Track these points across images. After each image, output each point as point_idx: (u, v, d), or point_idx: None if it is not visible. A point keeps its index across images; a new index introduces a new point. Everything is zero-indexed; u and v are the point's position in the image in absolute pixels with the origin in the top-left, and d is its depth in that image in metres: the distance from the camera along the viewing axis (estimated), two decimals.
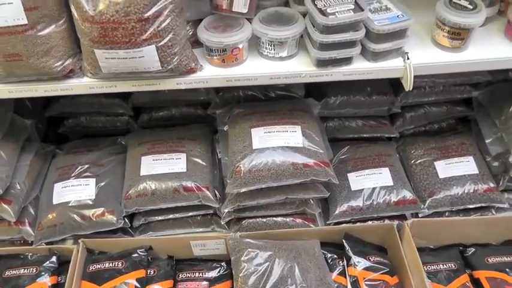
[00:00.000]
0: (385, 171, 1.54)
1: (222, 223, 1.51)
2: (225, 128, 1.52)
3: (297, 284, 1.29)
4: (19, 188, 1.50)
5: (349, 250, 1.43)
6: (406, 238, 1.43)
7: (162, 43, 1.14)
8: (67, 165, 1.56)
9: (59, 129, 1.71)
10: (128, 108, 1.62)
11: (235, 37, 1.20)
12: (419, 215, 1.53)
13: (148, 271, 1.43)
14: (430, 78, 1.55)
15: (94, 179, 1.50)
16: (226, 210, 1.45)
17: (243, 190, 1.37)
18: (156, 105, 1.64)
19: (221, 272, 1.48)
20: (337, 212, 1.50)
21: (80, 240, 1.48)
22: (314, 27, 1.21)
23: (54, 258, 1.46)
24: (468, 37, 1.25)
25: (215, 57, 1.24)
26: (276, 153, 1.37)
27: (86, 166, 1.54)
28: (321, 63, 1.24)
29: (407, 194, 1.51)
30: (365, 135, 1.64)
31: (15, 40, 1.15)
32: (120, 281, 1.40)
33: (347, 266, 1.43)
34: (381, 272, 1.41)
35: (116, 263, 1.44)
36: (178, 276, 1.47)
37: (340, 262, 1.46)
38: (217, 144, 1.59)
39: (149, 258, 1.47)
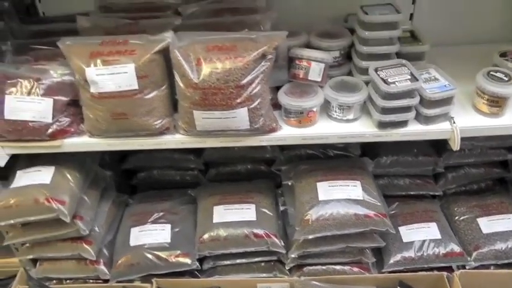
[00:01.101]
0: (433, 225, 1.67)
1: (287, 268, 1.62)
2: (290, 183, 1.67)
3: None
4: (98, 231, 1.65)
5: None
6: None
7: (252, 106, 1.31)
8: (143, 212, 1.72)
9: (131, 181, 1.86)
10: (199, 163, 1.79)
11: (312, 102, 1.38)
12: (466, 267, 1.63)
13: None
14: (469, 141, 1.69)
15: (169, 225, 1.65)
16: (292, 256, 1.57)
17: (310, 237, 1.50)
18: (225, 162, 1.80)
19: None
20: (391, 261, 1.61)
21: (153, 280, 1.61)
22: (377, 94, 1.38)
23: None
24: (505, 104, 1.41)
25: (292, 119, 1.41)
26: (340, 204, 1.51)
27: (161, 214, 1.69)
28: (382, 125, 1.40)
29: (455, 247, 1.62)
30: (411, 193, 1.78)
31: (125, 102, 1.34)
32: None
33: None
34: None
35: None
36: None
37: None
38: (280, 197, 1.72)
39: None
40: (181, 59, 1.28)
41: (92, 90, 1.33)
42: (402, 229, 1.67)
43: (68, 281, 1.73)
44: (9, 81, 1.43)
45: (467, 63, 1.49)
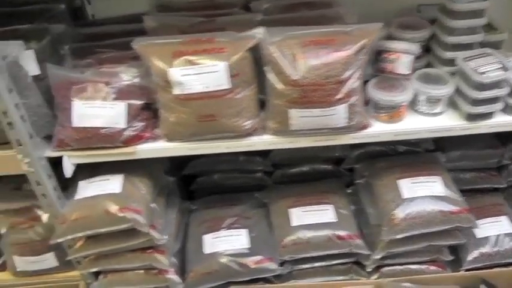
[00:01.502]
0: (504, 219, 1.64)
1: (367, 270, 1.56)
2: (363, 181, 1.61)
3: None
4: (169, 239, 1.55)
5: None
6: None
7: (350, 102, 1.25)
8: (214, 218, 1.62)
9: (189, 187, 1.77)
10: (267, 165, 1.70)
11: (403, 96, 1.32)
12: None
13: None
14: None
15: (246, 230, 1.56)
16: (376, 257, 1.51)
17: (398, 237, 1.44)
18: (291, 162, 1.72)
19: None
20: (470, 258, 1.57)
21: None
22: (467, 85, 1.33)
23: None
24: None
25: (383, 114, 1.35)
26: (425, 201, 1.46)
27: (235, 219, 1.60)
28: (471, 118, 1.36)
29: None
30: (477, 187, 1.74)
31: (214, 103, 1.25)
32: None
33: None
34: None
35: None
36: None
37: None
38: (351, 196, 1.66)
39: None
40: (278, 56, 1.20)
41: (176, 91, 1.24)
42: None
43: None
44: (75, 87, 1.33)
45: None
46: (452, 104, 1.40)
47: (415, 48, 1.34)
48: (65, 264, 1.65)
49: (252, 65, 1.27)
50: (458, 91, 1.36)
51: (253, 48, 1.25)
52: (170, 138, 1.34)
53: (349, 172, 1.74)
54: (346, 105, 1.24)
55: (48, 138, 1.38)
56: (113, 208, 1.38)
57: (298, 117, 1.25)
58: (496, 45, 1.47)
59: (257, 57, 1.27)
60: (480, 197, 1.72)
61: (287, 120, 1.27)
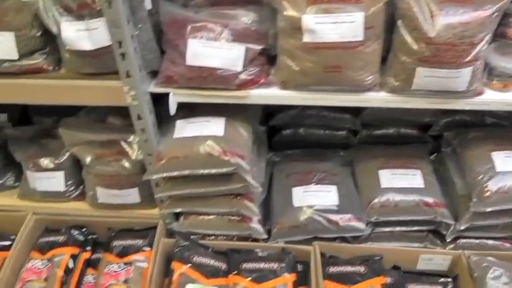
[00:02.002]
0: None
1: (448, 240, 1.58)
2: (449, 150, 1.63)
3: None
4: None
5: None
6: None
7: (475, 66, 1.23)
8: (303, 171, 1.63)
9: (273, 138, 1.77)
10: (357, 124, 1.70)
11: None
12: None
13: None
14: None
15: (335, 186, 1.57)
16: (460, 228, 1.53)
17: (488, 210, 1.46)
18: (379, 123, 1.72)
19: (449, 286, 1.55)
20: None
21: (315, 243, 1.55)
22: None
23: (291, 257, 1.52)
24: None
25: (497, 82, 1.34)
26: None
27: (324, 174, 1.60)
28: None
29: None
30: None
31: (343, 54, 1.23)
32: (366, 285, 1.46)
33: None
34: None
35: (358, 267, 1.51)
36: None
37: None
38: (434, 164, 1.68)
39: None
40: (416, 11, 1.18)
41: (307, 39, 1.22)
42: None
43: (210, 237, 1.66)
44: (191, 25, 1.30)
45: None
46: None
47: None
48: (147, 201, 1.67)
49: (384, 19, 1.24)
50: None
51: (388, 2, 1.21)
52: (286, 86, 1.32)
53: (431, 138, 1.73)
54: (471, 68, 1.23)
55: (152, 73, 1.37)
56: (216, 150, 1.38)
57: (423, 76, 1.24)
58: None
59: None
60: None
61: (411, 78, 1.25)
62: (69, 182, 1.71)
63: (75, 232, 1.68)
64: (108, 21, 1.18)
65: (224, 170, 1.40)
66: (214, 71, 1.29)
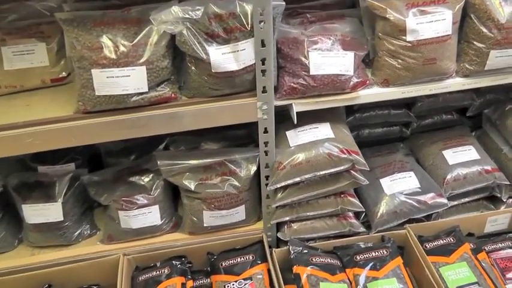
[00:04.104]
0: None
1: (504, 200, 2.01)
2: (490, 124, 2.13)
3: None
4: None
5: None
6: None
7: None
8: (382, 164, 2.02)
9: None
10: (413, 117, 2.11)
11: None
12: None
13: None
14: None
15: (412, 172, 1.95)
16: None
17: None
18: (427, 113, 2.16)
19: None
20: None
21: (406, 226, 1.89)
22: None
23: (392, 242, 1.85)
24: None
25: None
26: None
27: (400, 163, 2.00)
28: None
29: None
30: None
31: (438, 47, 1.63)
32: (459, 253, 1.84)
33: None
34: None
35: (447, 239, 1.89)
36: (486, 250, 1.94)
37: None
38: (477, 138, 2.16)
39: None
40: (488, 3, 1.63)
41: (410, 38, 1.60)
42: None
43: (310, 242, 1.90)
44: (307, 40, 1.62)
45: None
46: None
47: None
48: (251, 217, 1.90)
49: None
50: None
51: None
52: (388, 84, 1.68)
53: (467, 119, 2.22)
54: None
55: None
56: (335, 150, 1.69)
57: (495, 57, 1.68)
58: None
59: None
60: None
61: (485, 61, 1.69)
62: (164, 214, 1.86)
63: (177, 263, 1.81)
64: (256, 41, 1.45)
65: (344, 167, 1.71)
66: (335, 77, 1.61)
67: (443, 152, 2.02)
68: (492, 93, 2.14)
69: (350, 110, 2.00)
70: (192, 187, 1.76)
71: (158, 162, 1.75)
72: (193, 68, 1.54)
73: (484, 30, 1.65)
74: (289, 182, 1.70)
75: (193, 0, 1.49)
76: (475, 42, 1.68)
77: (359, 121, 2.06)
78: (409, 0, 1.61)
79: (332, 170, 1.70)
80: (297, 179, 1.70)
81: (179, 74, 1.59)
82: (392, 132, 2.17)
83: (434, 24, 1.59)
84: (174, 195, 1.93)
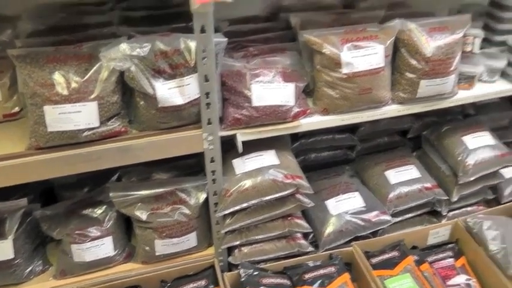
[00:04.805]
0: None
1: (444, 213, 2.23)
2: (429, 144, 2.33)
3: None
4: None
5: None
6: None
7: (455, 73, 1.94)
8: (328, 187, 2.17)
9: None
10: (357, 141, 2.30)
11: (480, 68, 2.06)
12: None
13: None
14: None
15: (357, 192, 2.12)
16: (454, 199, 2.20)
17: (472, 178, 2.15)
18: (370, 137, 2.35)
19: (456, 250, 2.18)
20: (506, 193, 2.36)
21: (353, 243, 2.06)
22: None
23: (340, 259, 2.01)
24: None
25: (464, 83, 2.06)
26: (485, 150, 2.19)
27: (345, 185, 2.16)
28: None
29: None
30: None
31: (373, 78, 1.81)
32: (402, 265, 2.03)
33: None
34: None
35: (392, 253, 2.07)
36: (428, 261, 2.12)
37: None
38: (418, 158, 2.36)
39: None
40: (415, 39, 1.84)
41: (345, 71, 1.78)
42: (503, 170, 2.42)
43: (261, 264, 2.03)
44: (250, 73, 1.79)
45: None
46: (501, 74, 2.15)
47: (482, 33, 2.09)
48: (202, 243, 2.01)
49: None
50: (509, 63, 2.13)
51: None
52: (328, 112, 1.85)
53: (408, 141, 2.43)
54: (454, 75, 1.92)
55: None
56: (280, 176, 1.85)
57: (425, 86, 1.88)
58: None
59: None
60: None
61: (416, 89, 1.89)
62: (117, 245, 1.96)
63: None
64: (200, 76, 1.59)
65: (288, 191, 1.85)
66: (277, 108, 1.76)
67: (385, 172, 2.21)
68: (430, 116, 2.35)
69: (296, 136, 2.16)
70: (144, 217, 1.87)
71: (111, 194, 1.84)
72: (142, 102, 1.66)
73: (414, 62, 1.84)
74: (237, 208, 1.83)
75: (141, 37, 1.62)
76: (406, 73, 1.87)
77: (305, 146, 2.22)
78: (343, 36, 1.78)
79: (277, 195, 1.84)
80: (244, 205, 1.84)
81: (129, 108, 1.71)
82: (338, 156, 2.34)
83: (368, 58, 1.77)
84: (127, 225, 2.03)
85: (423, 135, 2.37)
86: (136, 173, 1.98)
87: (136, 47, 1.57)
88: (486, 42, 2.22)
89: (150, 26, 1.80)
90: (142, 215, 1.88)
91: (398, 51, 1.88)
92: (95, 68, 1.58)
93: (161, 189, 1.89)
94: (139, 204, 1.88)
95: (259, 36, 1.94)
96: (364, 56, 1.77)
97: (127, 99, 1.70)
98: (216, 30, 1.73)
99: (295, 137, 2.17)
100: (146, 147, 1.68)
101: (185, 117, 1.69)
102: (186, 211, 1.91)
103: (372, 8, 2.01)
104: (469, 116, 2.47)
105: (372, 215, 2.06)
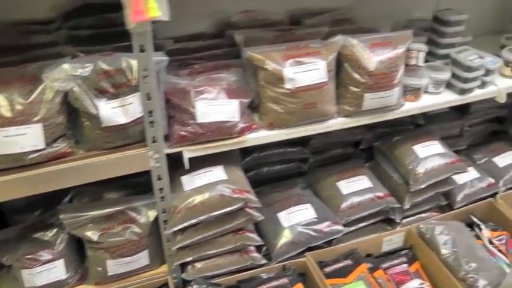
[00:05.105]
0: (472, 169, 2.55)
1: (398, 221, 2.30)
2: (381, 155, 2.39)
3: (469, 245, 2.17)
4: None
5: (478, 221, 2.38)
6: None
7: (400, 86, 2.01)
8: (280, 199, 2.22)
9: None
10: (308, 153, 2.34)
11: (425, 80, 2.13)
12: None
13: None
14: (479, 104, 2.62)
15: (309, 204, 2.17)
16: (406, 207, 2.27)
17: (423, 186, 2.23)
18: (322, 149, 2.41)
19: (410, 256, 2.26)
20: (458, 199, 2.45)
21: (306, 254, 2.11)
22: (460, 69, 2.16)
23: (293, 270, 2.06)
24: None
25: (410, 95, 2.13)
26: (434, 158, 2.27)
27: (296, 197, 2.21)
28: (463, 92, 2.20)
29: (491, 180, 2.55)
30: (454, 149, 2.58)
31: (316, 93, 1.87)
32: (356, 273, 2.09)
33: (480, 231, 2.37)
34: (500, 230, 2.38)
35: (345, 262, 2.14)
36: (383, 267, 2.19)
37: (472, 231, 2.37)
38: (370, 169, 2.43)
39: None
40: (358, 54, 1.91)
41: (288, 86, 1.83)
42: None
43: (215, 278, 2.06)
44: (194, 90, 1.83)
45: (481, 47, 2.35)
46: (447, 85, 2.24)
47: (426, 47, 2.17)
48: (154, 261, 2.03)
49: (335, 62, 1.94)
50: (453, 75, 2.21)
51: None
52: (273, 127, 1.90)
53: (361, 152, 2.49)
54: (398, 88, 1.98)
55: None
56: (227, 191, 1.89)
57: (369, 99, 1.94)
58: (465, 45, 2.35)
59: None
60: None
61: (361, 102, 1.95)
62: (70, 268, 1.97)
63: None
64: (142, 95, 1.63)
65: (236, 206, 1.89)
66: (221, 124, 1.80)
67: (337, 183, 2.27)
68: (381, 127, 2.42)
69: (247, 150, 2.19)
70: (95, 238, 1.88)
71: (61, 216, 1.85)
72: (87, 122, 1.68)
73: (357, 76, 1.90)
74: (186, 224, 1.86)
75: (84, 57, 1.66)
76: (350, 87, 1.93)
77: (257, 160, 2.27)
78: (286, 52, 1.84)
79: (226, 210, 1.87)
80: (193, 221, 1.87)
81: (75, 128, 1.73)
82: (291, 169, 2.39)
83: (310, 73, 1.83)
84: (79, 247, 2.03)
85: (375, 146, 2.43)
86: (89, 193, 2.00)
87: (78, 67, 1.60)
88: (431, 55, 2.30)
89: (96, 45, 1.82)
90: (93, 235, 1.89)
91: (342, 66, 1.93)
92: (39, 89, 1.59)
93: (111, 209, 1.90)
94: (90, 225, 1.90)
95: (205, 54, 1.98)
96: (307, 71, 1.82)
97: (73, 120, 1.72)
98: (161, 49, 1.78)
99: (246, 151, 2.20)
100: (93, 167, 1.70)
101: (130, 136, 1.72)
102: (137, 230, 1.93)
103: (317, 25, 2.06)
104: (420, 126, 2.52)
105: (324, 226, 2.11)
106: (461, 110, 2.64)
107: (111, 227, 1.92)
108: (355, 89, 1.92)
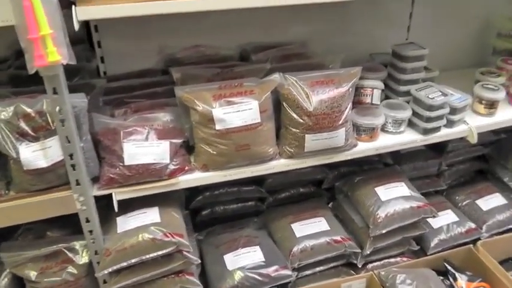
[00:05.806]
0: (450, 212, 2.45)
1: (359, 266, 2.21)
2: (343, 195, 2.32)
3: None
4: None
5: (453, 270, 2.26)
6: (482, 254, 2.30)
7: (346, 127, 1.93)
8: (228, 241, 2.17)
9: (195, 220, 2.31)
10: (264, 193, 2.30)
11: (380, 120, 2.05)
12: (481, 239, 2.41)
13: None
14: (458, 143, 2.52)
15: (258, 247, 2.13)
16: (367, 253, 2.18)
17: (383, 231, 2.13)
18: (281, 188, 2.36)
19: None
20: (432, 245, 2.32)
21: None
22: (421, 107, 2.08)
23: None
24: (497, 106, 2.26)
25: (364, 135, 2.06)
26: (398, 201, 2.17)
27: (246, 239, 2.16)
28: (426, 132, 2.11)
29: (471, 225, 2.41)
30: (424, 191, 2.51)
31: (249, 134, 1.83)
32: None
33: (454, 281, 2.24)
34: (478, 281, 2.24)
35: None
36: None
37: (446, 281, 2.26)
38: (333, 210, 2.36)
39: None
40: (295, 94, 1.86)
41: (219, 127, 1.81)
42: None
43: None
44: (123, 131, 1.83)
45: (455, 82, 2.28)
46: (409, 124, 2.16)
47: (381, 85, 2.09)
48: None
49: (272, 102, 1.90)
50: (414, 113, 2.12)
51: (273, 90, 1.88)
52: (207, 168, 1.88)
53: (325, 191, 2.42)
54: (344, 129, 1.92)
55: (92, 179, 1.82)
56: (158, 234, 1.87)
57: (311, 140, 1.89)
58: (431, 80, 2.28)
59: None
60: (427, 198, 2.47)
61: (303, 144, 1.89)
62: None
63: None
64: (61, 138, 1.64)
65: (168, 250, 1.86)
66: (149, 166, 1.79)
67: (292, 225, 2.21)
68: (346, 166, 2.34)
69: (198, 189, 2.18)
70: (33, 277, 1.90)
71: (1, 254, 1.89)
72: (13, 165, 1.71)
73: (295, 117, 1.85)
74: (116, 267, 1.85)
75: (8, 100, 1.70)
76: (290, 128, 1.89)
77: (209, 199, 2.24)
78: (217, 91, 1.82)
79: (157, 254, 1.85)
80: (124, 264, 1.85)
81: (6, 170, 1.77)
82: (248, 207, 2.35)
83: (242, 114, 1.79)
84: (22, 285, 2.04)
85: (336, 187, 2.35)
86: (35, 230, 2.03)
87: (1, 110, 1.64)
88: (392, 92, 2.21)
89: (34, 85, 1.85)
90: (31, 275, 1.91)
91: (282, 105, 1.88)
92: None
93: (49, 248, 1.93)
94: (29, 264, 1.92)
95: (146, 92, 1.99)
96: (238, 111, 1.79)
97: (3, 162, 1.76)
98: (92, 88, 1.81)
99: (198, 190, 2.18)
100: (23, 209, 1.73)
101: (54, 179, 1.74)
102: (73, 270, 1.94)
103: (262, 61, 2.03)
104: (390, 165, 2.43)
105: (271, 270, 2.06)
106: (438, 149, 2.50)
107: (49, 267, 1.93)
108: (295, 130, 1.88)
